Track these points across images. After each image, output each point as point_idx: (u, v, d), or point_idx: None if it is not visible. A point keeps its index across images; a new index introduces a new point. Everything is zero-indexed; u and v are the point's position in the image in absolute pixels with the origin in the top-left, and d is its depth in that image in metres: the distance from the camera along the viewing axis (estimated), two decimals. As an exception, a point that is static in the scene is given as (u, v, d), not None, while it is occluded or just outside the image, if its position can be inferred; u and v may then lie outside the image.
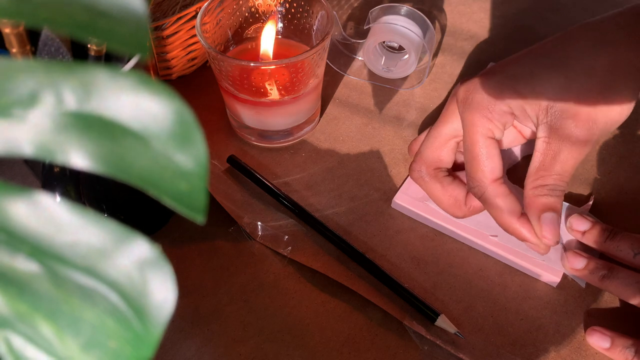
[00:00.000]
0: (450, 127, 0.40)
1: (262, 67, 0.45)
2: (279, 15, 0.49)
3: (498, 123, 0.38)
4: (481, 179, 0.38)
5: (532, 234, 0.38)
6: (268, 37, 0.48)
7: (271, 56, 0.48)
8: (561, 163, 0.37)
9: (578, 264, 0.38)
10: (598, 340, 0.36)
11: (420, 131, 0.49)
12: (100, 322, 0.15)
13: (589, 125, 0.36)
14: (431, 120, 0.50)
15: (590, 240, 0.40)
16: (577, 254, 0.39)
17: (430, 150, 0.41)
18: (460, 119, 0.40)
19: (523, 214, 0.38)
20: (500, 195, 0.38)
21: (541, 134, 0.37)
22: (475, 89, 0.38)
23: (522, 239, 0.38)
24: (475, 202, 0.41)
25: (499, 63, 0.40)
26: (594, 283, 0.38)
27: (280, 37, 0.50)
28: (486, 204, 0.39)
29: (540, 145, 0.38)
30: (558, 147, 0.37)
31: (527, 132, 0.42)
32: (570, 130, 0.36)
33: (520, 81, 0.38)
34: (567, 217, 0.41)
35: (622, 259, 0.38)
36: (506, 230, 0.39)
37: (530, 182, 0.38)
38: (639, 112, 0.44)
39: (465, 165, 0.39)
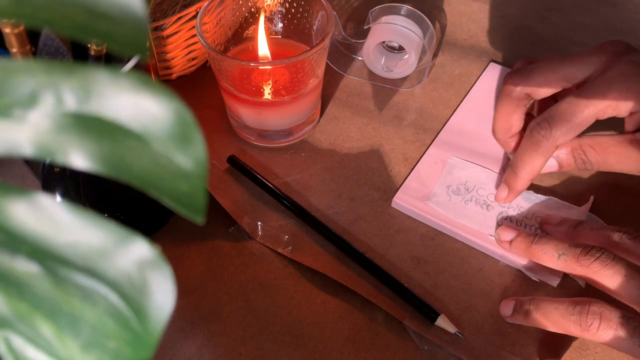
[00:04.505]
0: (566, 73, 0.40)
1: (262, 67, 0.45)
2: (279, 15, 0.49)
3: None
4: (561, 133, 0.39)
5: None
6: (260, 36, 0.48)
7: (269, 55, 0.48)
8: (578, 120, 0.38)
9: (507, 236, 0.40)
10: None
11: (420, 131, 0.49)
12: (100, 322, 0.15)
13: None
14: (431, 120, 0.50)
15: (517, 249, 0.39)
16: (508, 227, 0.40)
17: (542, 87, 0.41)
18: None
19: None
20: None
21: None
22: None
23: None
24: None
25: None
26: (524, 255, 0.39)
27: (280, 37, 0.50)
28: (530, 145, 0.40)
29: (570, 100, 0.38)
30: (580, 108, 0.38)
31: (564, 164, 0.42)
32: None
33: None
34: (565, 215, 0.41)
35: (547, 262, 0.37)
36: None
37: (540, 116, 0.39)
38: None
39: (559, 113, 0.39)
